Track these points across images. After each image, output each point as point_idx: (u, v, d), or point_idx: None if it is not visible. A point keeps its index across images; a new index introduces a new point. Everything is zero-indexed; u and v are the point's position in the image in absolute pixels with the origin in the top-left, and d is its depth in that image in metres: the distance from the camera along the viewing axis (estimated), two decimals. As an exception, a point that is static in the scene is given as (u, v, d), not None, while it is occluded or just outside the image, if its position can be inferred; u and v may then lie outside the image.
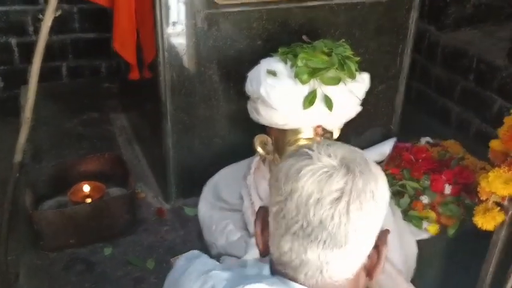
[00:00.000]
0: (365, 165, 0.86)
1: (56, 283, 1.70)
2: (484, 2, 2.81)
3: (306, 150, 0.86)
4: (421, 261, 1.90)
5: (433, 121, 2.86)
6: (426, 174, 2.07)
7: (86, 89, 3.03)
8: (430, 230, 1.89)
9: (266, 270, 0.94)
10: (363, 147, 2.28)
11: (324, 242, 0.82)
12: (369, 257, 0.88)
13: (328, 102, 1.66)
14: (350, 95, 1.70)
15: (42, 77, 3.29)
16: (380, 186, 0.86)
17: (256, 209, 1.66)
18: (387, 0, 2.07)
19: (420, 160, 2.14)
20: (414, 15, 2.15)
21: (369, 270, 0.90)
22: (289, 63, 1.71)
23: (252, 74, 1.79)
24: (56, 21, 3.23)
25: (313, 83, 1.68)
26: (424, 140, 2.35)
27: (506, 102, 2.49)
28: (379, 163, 2.20)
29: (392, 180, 2.08)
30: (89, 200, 1.94)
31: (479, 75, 2.61)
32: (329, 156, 0.84)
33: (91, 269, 1.75)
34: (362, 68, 2.10)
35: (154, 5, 1.77)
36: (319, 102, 1.67)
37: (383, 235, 0.89)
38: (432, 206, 1.96)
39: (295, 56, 1.70)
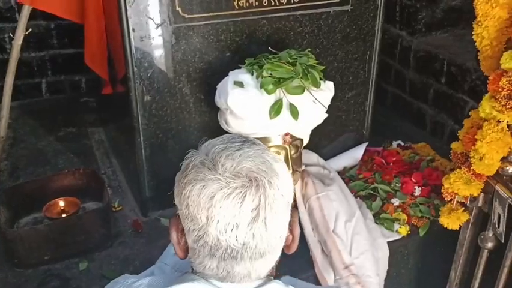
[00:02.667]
0: (269, 169, 0.86)
1: (31, 300, 1.71)
2: (453, 6, 2.87)
3: (210, 169, 0.85)
4: (394, 262, 1.94)
5: (409, 124, 2.91)
6: (397, 177, 2.12)
7: (65, 104, 3.04)
8: (401, 231, 1.93)
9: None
10: (336, 153, 2.33)
11: (250, 257, 0.86)
12: (286, 240, 0.93)
13: (294, 111, 1.70)
14: (315, 103, 1.73)
15: (23, 94, 3.35)
16: (281, 176, 0.87)
17: None
18: (351, 9, 2.10)
19: (391, 163, 2.19)
20: (379, 22, 2.19)
21: (287, 247, 0.95)
22: (255, 74, 1.75)
23: (220, 86, 1.83)
24: (34, 38, 3.29)
25: (279, 93, 1.71)
26: (395, 143, 2.39)
27: (477, 103, 2.52)
28: (352, 167, 2.25)
29: (364, 183, 2.12)
30: (64, 216, 1.95)
31: (450, 78, 2.66)
32: (236, 174, 0.84)
33: (65, 284, 1.76)
34: (330, 76, 2.16)
35: (121, 20, 1.80)
36: (285, 111, 1.71)
37: (293, 218, 0.94)
38: (403, 208, 2.00)
39: (261, 67, 1.74)
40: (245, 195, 0.83)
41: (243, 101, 1.71)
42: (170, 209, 2.10)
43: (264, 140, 1.78)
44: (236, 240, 0.84)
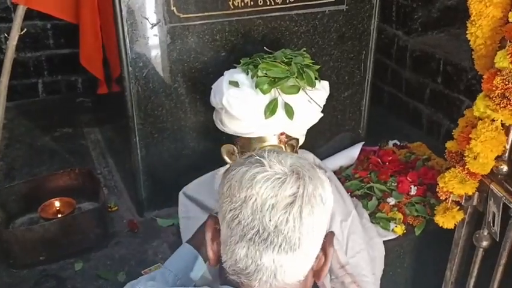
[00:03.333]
0: (313, 171, 0.90)
1: (27, 301, 1.71)
2: (449, 6, 2.88)
3: (257, 157, 0.89)
4: (390, 261, 1.94)
5: (405, 124, 2.92)
6: (393, 176, 2.12)
7: (61, 104, 3.04)
8: (396, 230, 1.93)
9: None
10: (332, 153, 2.33)
11: (280, 245, 0.85)
12: (317, 258, 0.92)
13: (289, 111, 1.70)
14: (310, 102, 1.73)
15: (19, 94, 3.34)
16: (326, 191, 0.90)
17: None
18: (347, 9, 2.11)
19: (387, 163, 2.19)
20: (375, 22, 2.19)
21: (317, 271, 0.94)
22: (250, 73, 1.74)
23: (215, 86, 1.83)
24: (30, 38, 3.28)
25: (274, 92, 1.71)
26: (392, 143, 2.39)
27: (473, 103, 2.53)
28: (348, 167, 2.26)
29: (360, 183, 2.12)
30: (59, 216, 1.95)
31: (446, 77, 2.67)
32: (280, 163, 0.88)
33: (61, 285, 1.76)
34: (326, 75, 2.16)
35: (116, 20, 1.79)
36: (280, 111, 1.71)
37: (329, 237, 0.93)
38: (399, 208, 2.00)
39: (256, 66, 1.74)
40: (285, 181, 0.85)
41: (238, 101, 1.71)
42: (166, 209, 2.11)
43: (260, 139, 1.78)
44: (270, 220, 0.84)
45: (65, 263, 1.85)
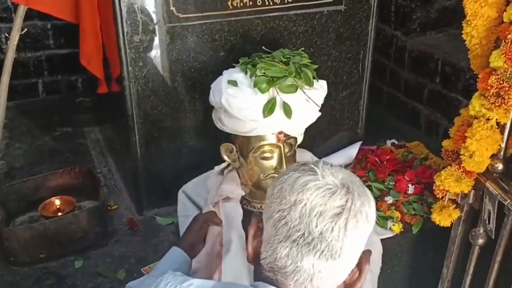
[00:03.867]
0: (362, 188, 0.94)
1: (27, 298, 1.72)
2: (447, 6, 2.89)
3: (311, 166, 0.93)
4: (387, 259, 1.95)
5: (404, 124, 2.94)
6: (391, 175, 2.13)
7: (61, 104, 3.05)
8: (394, 229, 1.94)
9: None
10: (331, 152, 2.34)
11: (322, 252, 0.89)
12: (352, 272, 0.95)
13: (287, 110, 1.71)
14: (308, 101, 1.75)
15: (19, 94, 3.36)
16: (372, 210, 0.94)
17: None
18: (345, 9, 2.12)
19: (384, 162, 2.20)
20: (373, 22, 2.21)
21: (349, 285, 0.97)
22: (249, 73, 1.76)
23: (214, 85, 1.84)
24: (31, 38, 3.30)
25: (273, 92, 1.73)
26: (390, 142, 2.41)
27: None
28: (346, 166, 2.27)
29: (358, 182, 2.13)
30: (59, 214, 1.96)
31: (444, 77, 2.68)
32: (333, 175, 0.91)
33: (61, 282, 1.77)
34: (324, 75, 2.17)
35: (116, 19, 1.81)
36: (278, 110, 1.72)
37: (365, 255, 0.97)
38: (396, 206, 2.01)
39: (255, 66, 1.75)
40: (335, 192, 0.89)
41: (237, 100, 1.73)
42: (165, 208, 2.12)
43: (258, 138, 1.80)
44: (316, 226, 0.88)
45: (65, 260, 1.87)
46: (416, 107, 2.92)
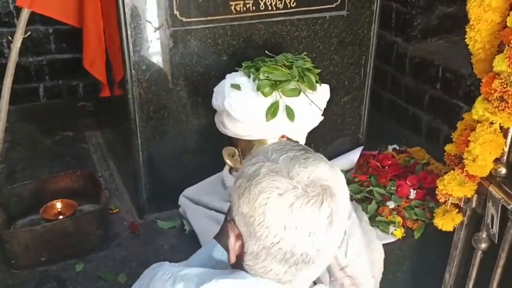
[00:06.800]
0: (336, 177, 0.92)
1: (28, 301, 1.71)
2: (448, 13, 2.90)
3: (285, 179, 0.87)
4: (389, 264, 1.95)
5: (405, 130, 2.93)
6: (392, 180, 2.14)
7: (63, 108, 3.05)
8: (396, 234, 1.94)
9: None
10: (332, 157, 2.34)
11: (318, 263, 0.90)
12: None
13: (290, 113, 1.72)
14: (310, 105, 1.75)
15: (20, 98, 3.36)
16: (344, 187, 0.94)
17: None
18: (347, 14, 2.13)
19: (386, 167, 2.20)
20: (375, 28, 2.22)
21: None
22: (252, 76, 1.77)
23: (217, 89, 1.85)
24: (32, 42, 3.30)
25: (275, 95, 1.73)
26: (391, 148, 2.41)
27: (471, 109, 2.57)
28: (348, 171, 2.27)
29: (359, 187, 2.13)
30: (60, 217, 1.96)
31: (445, 83, 2.69)
32: (312, 183, 0.87)
33: (62, 285, 1.76)
34: (326, 80, 2.17)
35: (119, 23, 1.82)
36: (281, 114, 1.73)
37: None
38: (398, 211, 2.01)
39: (258, 69, 1.76)
40: (322, 202, 0.86)
41: (240, 103, 1.73)
42: (166, 212, 2.12)
43: (261, 141, 1.80)
44: (313, 246, 0.87)
45: (66, 264, 1.86)
46: (417, 113, 2.92)
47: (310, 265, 0.89)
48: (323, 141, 2.33)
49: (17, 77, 3.33)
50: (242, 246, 0.94)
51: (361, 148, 2.34)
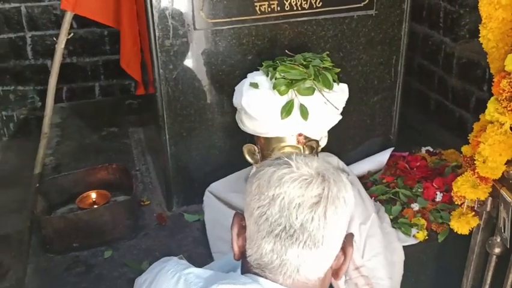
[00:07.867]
0: (337, 174, 0.96)
1: (57, 284, 1.84)
2: (497, 11, 2.79)
3: (285, 159, 0.96)
4: (411, 267, 1.92)
5: (448, 132, 2.84)
6: (420, 182, 2.09)
7: (112, 106, 3.23)
8: (418, 236, 1.91)
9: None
10: (362, 158, 2.33)
11: (305, 242, 0.91)
12: (337, 257, 0.97)
13: (303, 112, 1.74)
14: (326, 104, 1.76)
15: (77, 96, 3.59)
16: (349, 193, 0.96)
17: None
18: (376, 14, 2.11)
19: (414, 168, 2.16)
20: (406, 26, 2.18)
21: (336, 270, 0.99)
22: (270, 75, 1.80)
23: (238, 87, 1.91)
24: (89, 44, 3.52)
25: (291, 94, 1.76)
26: (424, 149, 2.36)
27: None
28: (377, 172, 2.25)
29: (385, 188, 2.11)
30: (94, 207, 2.09)
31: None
32: (307, 165, 0.94)
33: (89, 270, 1.88)
34: (355, 80, 2.17)
35: (148, 24, 1.91)
36: (296, 112, 1.75)
37: (348, 238, 0.99)
38: (423, 214, 1.97)
39: (276, 68, 1.80)
40: (311, 182, 0.92)
41: (256, 102, 1.78)
42: (193, 206, 2.19)
43: (278, 139, 1.83)
44: (296, 218, 0.90)
45: (96, 250, 1.98)
46: (463, 115, 2.82)
47: (296, 241, 0.90)
48: (352, 141, 2.32)
49: (75, 77, 3.61)
50: (245, 239, 0.98)
51: (391, 149, 2.30)
